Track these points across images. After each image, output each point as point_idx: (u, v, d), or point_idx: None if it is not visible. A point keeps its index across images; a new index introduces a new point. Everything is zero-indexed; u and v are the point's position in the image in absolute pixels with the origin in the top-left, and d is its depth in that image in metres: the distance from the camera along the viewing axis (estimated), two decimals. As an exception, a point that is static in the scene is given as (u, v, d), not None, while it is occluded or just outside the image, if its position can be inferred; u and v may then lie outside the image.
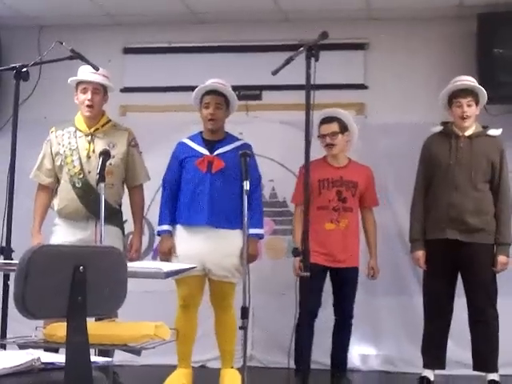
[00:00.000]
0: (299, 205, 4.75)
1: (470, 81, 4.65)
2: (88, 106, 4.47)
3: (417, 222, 4.67)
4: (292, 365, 4.34)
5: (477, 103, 4.61)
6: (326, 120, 4.73)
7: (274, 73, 3.62)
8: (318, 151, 4.63)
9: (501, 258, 4.55)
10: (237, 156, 4.22)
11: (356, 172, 4.81)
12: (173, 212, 4.58)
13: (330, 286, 4.77)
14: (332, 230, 4.67)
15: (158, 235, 4.68)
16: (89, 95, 4.47)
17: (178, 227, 4.59)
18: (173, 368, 4.62)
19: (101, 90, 4.52)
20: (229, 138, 4.68)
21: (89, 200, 4.40)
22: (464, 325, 4.57)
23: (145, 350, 2.57)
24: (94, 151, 4.46)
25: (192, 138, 4.69)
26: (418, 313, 4.87)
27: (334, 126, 4.74)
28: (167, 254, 4.56)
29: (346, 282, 4.74)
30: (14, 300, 2.06)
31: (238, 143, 4.65)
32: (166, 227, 4.58)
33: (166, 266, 2.85)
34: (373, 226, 4.89)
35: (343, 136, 4.77)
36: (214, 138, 4.64)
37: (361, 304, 5.01)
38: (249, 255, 4.22)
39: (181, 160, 4.62)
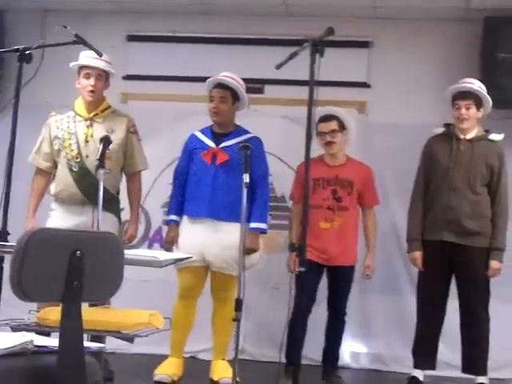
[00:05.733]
0: (296, 203, 4.76)
1: (472, 83, 4.64)
2: (90, 91, 4.46)
3: (415, 222, 4.67)
4: (283, 359, 4.33)
5: (478, 106, 4.60)
6: (326, 118, 4.72)
7: (278, 67, 3.60)
8: (315, 149, 4.61)
9: (493, 264, 4.55)
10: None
11: (353, 170, 4.80)
12: (181, 202, 4.62)
13: (325, 284, 4.77)
14: (327, 228, 4.67)
15: (166, 225, 4.73)
16: (92, 81, 4.46)
17: (184, 218, 4.64)
18: (164, 357, 4.64)
19: (103, 76, 4.52)
20: (237, 132, 4.68)
21: (85, 184, 4.40)
22: (455, 327, 4.59)
23: (138, 337, 2.58)
24: (92, 136, 4.46)
25: (202, 131, 4.71)
26: (410, 313, 4.89)
27: (334, 124, 4.74)
28: (170, 244, 4.61)
29: (340, 279, 4.75)
30: (9, 282, 2.05)
31: (245, 136, 4.63)
32: (173, 217, 4.64)
33: (163, 255, 2.85)
34: (372, 226, 4.86)
35: (342, 134, 4.77)
36: (222, 131, 4.65)
37: (354, 302, 5.01)
38: (248, 248, 4.23)
39: (190, 152, 4.65)
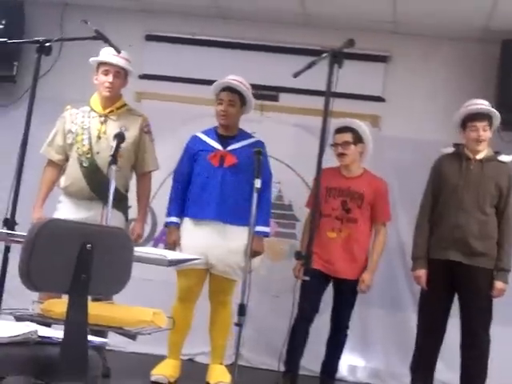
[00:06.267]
0: (309, 208, 4.80)
1: (485, 105, 4.64)
2: (108, 87, 4.47)
3: (421, 240, 4.65)
4: (281, 368, 4.32)
5: (491, 127, 4.61)
6: (341, 129, 4.74)
7: (296, 75, 3.61)
8: (330, 159, 4.62)
9: (498, 284, 4.53)
10: (249, 153, 4.24)
11: (366, 184, 4.78)
12: (181, 204, 4.60)
13: (330, 294, 4.76)
14: (333, 238, 4.67)
15: (166, 226, 4.70)
16: (110, 78, 4.46)
17: (186, 220, 4.60)
18: (161, 358, 4.63)
19: (122, 74, 4.53)
20: (242, 135, 4.69)
21: (94, 180, 4.40)
22: (455, 346, 4.57)
23: (140, 335, 2.57)
24: (105, 132, 4.46)
25: (206, 132, 4.70)
26: (410, 329, 4.87)
27: (347, 136, 4.74)
28: (172, 246, 4.58)
29: (345, 293, 4.73)
30: (18, 270, 2.06)
31: (251, 140, 4.66)
32: (173, 219, 4.61)
33: (171, 254, 2.85)
34: (378, 243, 4.80)
35: (356, 147, 4.76)
36: (228, 134, 4.65)
37: (354, 315, 4.99)
38: (254, 251, 4.23)
39: (194, 153, 4.63)
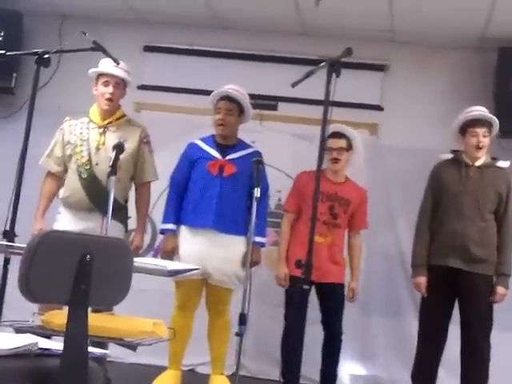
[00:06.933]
0: (290, 212, 4.82)
1: (484, 111, 4.66)
2: (108, 99, 4.47)
3: (421, 248, 4.64)
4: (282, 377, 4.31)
5: (490, 134, 4.62)
6: (336, 135, 4.74)
7: (294, 85, 3.62)
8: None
9: (500, 289, 4.53)
10: (248, 163, 4.24)
11: (351, 190, 4.84)
12: (178, 212, 4.58)
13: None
14: (320, 243, 4.64)
15: (162, 233, 4.69)
16: (110, 89, 4.47)
17: (182, 228, 4.59)
18: (161, 369, 4.62)
19: (121, 85, 4.54)
20: (241, 145, 4.70)
21: (93, 191, 4.40)
22: (456, 353, 4.56)
23: (141, 346, 2.56)
24: (104, 144, 4.46)
25: (204, 140, 4.70)
26: (411, 336, 4.86)
27: (342, 142, 4.78)
28: (170, 254, 4.55)
29: (332, 298, 4.73)
30: (18, 281, 2.05)
31: (249, 150, 4.67)
32: (170, 226, 4.58)
33: (171, 265, 2.85)
34: (358, 250, 4.92)
35: (347, 153, 4.81)
36: (227, 143, 4.66)
37: (354, 323, 5.00)
38: (253, 262, 4.23)
39: (192, 161, 4.62)
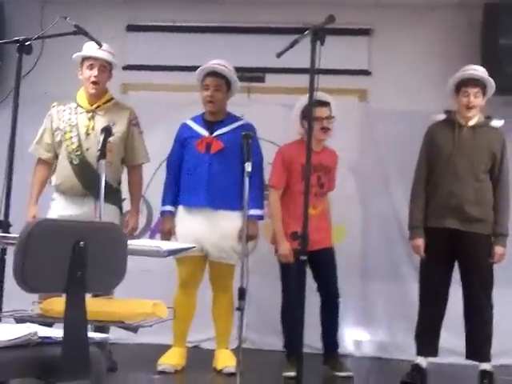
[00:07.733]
0: (278, 188, 4.72)
1: (480, 71, 4.62)
2: (94, 82, 4.45)
3: (417, 210, 4.64)
4: (286, 347, 4.34)
5: (484, 95, 4.59)
6: (322, 103, 4.63)
7: (278, 55, 3.59)
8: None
9: (498, 249, 4.55)
10: (237, 137, 4.23)
11: (328, 156, 4.82)
12: (175, 193, 4.62)
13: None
14: (312, 215, 4.62)
15: (161, 215, 4.72)
16: (95, 72, 4.45)
17: (180, 208, 4.64)
18: (167, 347, 4.65)
19: (107, 68, 4.51)
20: (229, 119, 4.68)
21: (85, 177, 4.40)
22: (458, 313, 4.58)
23: (142, 327, 2.57)
24: (93, 128, 4.45)
25: (194, 119, 4.71)
26: (412, 299, 4.87)
27: (329, 110, 4.72)
28: (167, 235, 4.61)
29: (324, 263, 4.71)
30: (13, 273, 2.06)
31: (238, 123, 4.66)
32: (168, 208, 4.64)
33: (166, 245, 2.85)
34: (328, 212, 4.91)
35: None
36: (215, 119, 4.65)
37: (355, 289, 5.01)
38: (248, 236, 4.23)
39: (183, 141, 4.66)
